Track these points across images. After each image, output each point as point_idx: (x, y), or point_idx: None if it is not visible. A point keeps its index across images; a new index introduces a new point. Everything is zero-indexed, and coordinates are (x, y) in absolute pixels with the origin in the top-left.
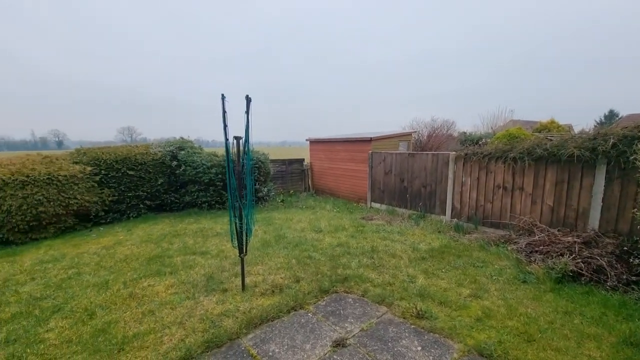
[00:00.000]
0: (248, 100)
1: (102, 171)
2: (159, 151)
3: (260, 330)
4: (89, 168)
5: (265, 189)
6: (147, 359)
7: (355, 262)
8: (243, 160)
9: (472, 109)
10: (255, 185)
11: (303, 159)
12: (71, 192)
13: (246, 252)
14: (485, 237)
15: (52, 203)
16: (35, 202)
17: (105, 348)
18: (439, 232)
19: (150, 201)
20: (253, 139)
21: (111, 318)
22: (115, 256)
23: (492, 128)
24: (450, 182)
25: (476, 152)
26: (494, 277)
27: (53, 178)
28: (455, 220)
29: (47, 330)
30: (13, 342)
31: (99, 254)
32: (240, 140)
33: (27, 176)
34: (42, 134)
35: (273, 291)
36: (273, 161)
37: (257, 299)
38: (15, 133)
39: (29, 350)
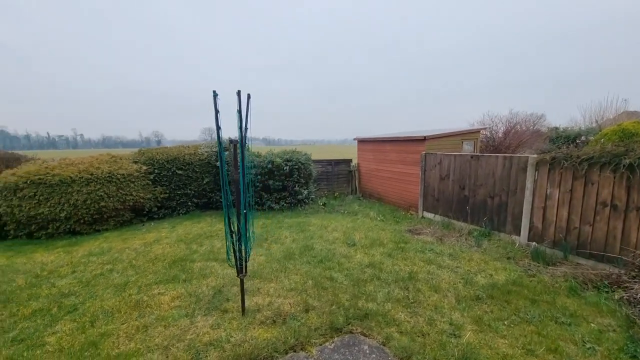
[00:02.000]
0: (239, 95)
1: (156, 170)
2: (206, 152)
3: None
4: (145, 167)
5: (305, 192)
6: None
7: (384, 292)
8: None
9: (569, 99)
10: (294, 187)
11: (350, 160)
12: (128, 189)
13: (246, 272)
14: (579, 273)
15: (111, 199)
16: (98, 197)
17: None
18: (508, 258)
19: (198, 199)
20: (303, 137)
21: (108, 329)
22: (148, 255)
23: (596, 121)
24: (528, 193)
25: (569, 154)
26: (587, 346)
27: (113, 176)
28: (534, 244)
29: (52, 333)
30: (18, 342)
31: (136, 251)
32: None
33: (91, 174)
34: (146, 134)
35: (275, 321)
36: (318, 161)
37: (254, 328)
38: (127, 134)
39: (26, 354)
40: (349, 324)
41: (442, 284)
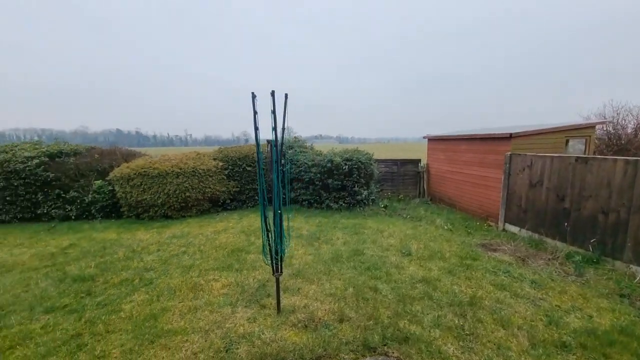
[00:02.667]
0: (272, 95)
1: (230, 166)
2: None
3: None
4: (221, 163)
5: (365, 192)
6: (178, 349)
7: (434, 315)
8: (279, 163)
9: None
10: (354, 187)
11: (419, 160)
12: (207, 182)
13: (281, 271)
14: None
15: (194, 190)
16: (184, 188)
17: (143, 335)
18: (621, 296)
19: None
20: (377, 135)
21: (168, 305)
22: (214, 242)
23: None
24: None
25: None
26: None
27: (196, 171)
28: None
29: (128, 302)
30: (102, 307)
31: (206, 238)
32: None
33: (180, 169)
34: (237, 134)
35: (306, 325)
36: (382, 161)
37: (285, 329)
38: (223, 133)
39: (103, 318)
40: (384, 345)
41: (514, 319)
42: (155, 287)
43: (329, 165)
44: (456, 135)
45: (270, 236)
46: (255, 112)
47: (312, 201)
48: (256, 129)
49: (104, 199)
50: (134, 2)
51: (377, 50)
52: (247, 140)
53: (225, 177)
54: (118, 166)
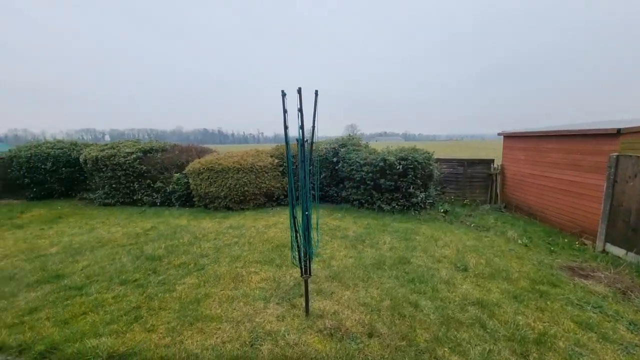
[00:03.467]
0: (299, 93)
1: (284, 163)
2: (324, 148)
3: None
4: (277, 160)
5: (422, 195)
6: (194, 344)
7: (482, 349)
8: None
9: None
10: (408, 188)
11: (492, 160)
12: (263, 178)
13: (310, 273)
14: None
15: (251, 185)
16: (243, 183)
17: (185, 316)
18: None
19: (317, 192)
20: (449, 131)
21: (211, 291)
22: (263, 236)
23: None
24: None
25: None
26: None
27: (253, 167)
28: None
29: (181, 283)
30: (160, 285)
31: (257, 231)
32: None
33: (240, 165)
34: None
35: (332, 334)
36: (446, 161)
37: (311, 334)
38: (290, 131)
39: (160, 295)
40: None
41: None
42: (205, 273)
43: (381, 164)
44: (541, 132)
45: (298, 237)
46: (284, 111)
47: (363, 201)
48: (285, 127)
49: (181, 190)
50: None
51: (454, 35)
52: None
53: (279, 174)
54: (192, 161)
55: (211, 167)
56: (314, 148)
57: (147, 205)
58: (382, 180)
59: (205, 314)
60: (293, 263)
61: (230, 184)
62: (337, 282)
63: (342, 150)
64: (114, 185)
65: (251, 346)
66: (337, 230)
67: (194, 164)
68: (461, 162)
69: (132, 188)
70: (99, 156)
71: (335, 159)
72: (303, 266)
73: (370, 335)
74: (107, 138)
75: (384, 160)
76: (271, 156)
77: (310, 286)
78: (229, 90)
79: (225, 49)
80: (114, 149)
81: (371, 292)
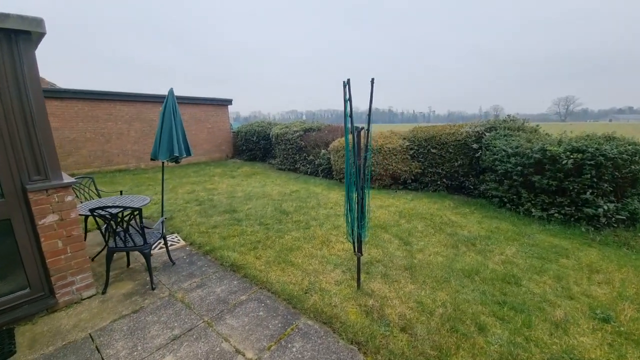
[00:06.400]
0: (346, 85)
1: (415, 147)
2: (465, 131)
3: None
4: (407, 143)
5: (609, 206)
6: (274, 276)
7: None
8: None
9: None
10: (584, 193)
11: None
12: (390, 160)
13: (362, 252)
14: None
15: (378, 165)
16: (369, 163)
17: (279, 257)
18: None
19: (448, 180)
20: None
21: (303, 246)
22: (369, 214)
23: None
24: None
25: None
26: None
27: (381, 149)
28: None
29: (289, 234)
30: (278, 231)
31: (379, 207)
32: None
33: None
34: (486, 109)
35: (368, 312)
36: None
37: (352, 305)
38: (468, 108)
39: (273, 238)
40: None
41: None
42: (307, 232)
43: (537, 156)
44: None
45: (350, 216)
46: (345, 100)
47: (506, 200)
48: (347, 116)
49: (325, 164)
50: None
51: None
52: (497, 116)
53: (409, 157)
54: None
55: (344, 146)
56: (452, 131)
57: (302, 173)
58: (537, 178)
59: (290, 260)
60: (347, 239)
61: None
62: (408, 273)
63: (487, 135)
64: (285, 155)
65: (305, 293)
66: (448, 225)
67: (334, 143)
68: None
69: (295, 158)
70: (278, 133)
71: (476, 145)
72: (355, 245)
73: (403, 330)
74: (304, 118)
75: (543, 150)
76: (403, 138)
77: (379, 267)
78: (398, 67)
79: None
80: (287, 127)
81: (436, 295)
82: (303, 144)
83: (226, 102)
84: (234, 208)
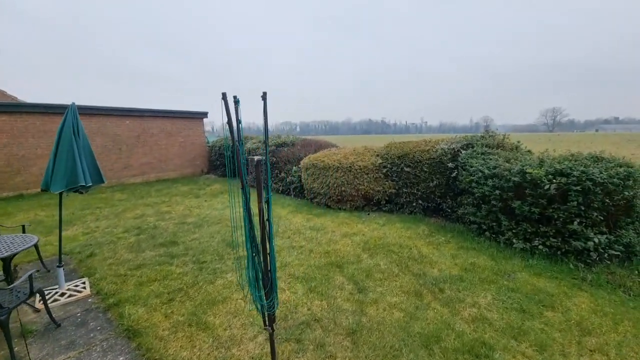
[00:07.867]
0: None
1: (388, 165)
2: (440, 148)
3: None
4: (380, 161)
5: (599, 238)
6: (190, 347)
7: None
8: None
9: None
10: (570, 223)
11: None
12: (361, 179)
13: (273, 329)
14: None
15: (348, 185)
16: (340, 183)
17: (193, 317)
18: None
19: (424, 202)
20: None
21: (229, 295)
22: (330, 246)
23: None
24: None
25: None
26: None
27: (352, 167)
28: None
29: (222, 278)
30: (211, 273)
31: (330, 239)
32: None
33: (340, 164)
34: (477, 120)
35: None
36: None
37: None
38: (460, 120)
39: (198, 286)
40: None
41: None
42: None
43: (516, 179)
44: None
45: (255, 264)
46: (230, 111)
47: (485, 227)
48: (235, 122)
49: (297, 181)
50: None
51: None
52: (487, 127)
53: (382, 176)
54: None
55: (315, 163)
56: (427, 148)
57: (274, 192)
58: (516, 203)
59: (206, 321)
60: (256, 309)
61: (330, 182)
62: (350, 342)
63: (463, 153)
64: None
65: None
66: (417, 262)
67: (305, 160)
68: None
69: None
70: (251, 148)
71: (451, 164)
72: (264, 316)
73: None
74: (298, 129)
75: (523, 173)
76: (377, 155)
77: (316, 332)
78: (392, 77)
79: (396, 40)
80: (261, 142)
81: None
82: (275, 159)
83: (201, 115)
84: (175, 239)
